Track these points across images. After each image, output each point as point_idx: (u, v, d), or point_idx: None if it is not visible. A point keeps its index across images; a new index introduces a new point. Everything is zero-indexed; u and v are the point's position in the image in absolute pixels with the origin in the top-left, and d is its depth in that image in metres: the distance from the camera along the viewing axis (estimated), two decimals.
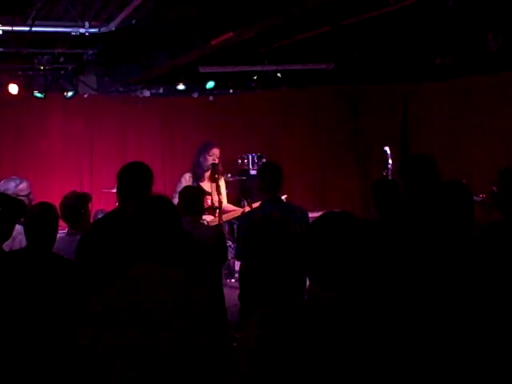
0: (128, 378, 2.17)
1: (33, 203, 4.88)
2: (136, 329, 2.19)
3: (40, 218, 3.46)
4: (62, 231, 4.53)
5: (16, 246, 4.17)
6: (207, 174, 7.16)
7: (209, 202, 6.57)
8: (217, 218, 6.48)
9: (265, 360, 1.92)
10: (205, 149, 7.22)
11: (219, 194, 6.35)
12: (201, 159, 7.20)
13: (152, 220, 2.36)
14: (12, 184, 5.15)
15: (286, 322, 1.97)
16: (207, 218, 6.48)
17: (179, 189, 6.74)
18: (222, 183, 7.13)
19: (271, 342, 1.93)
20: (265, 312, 2.02)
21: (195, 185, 7.03)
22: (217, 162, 7.02)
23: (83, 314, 2.28)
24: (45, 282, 3.26)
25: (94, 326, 2.23)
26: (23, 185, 5.18)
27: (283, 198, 5.80)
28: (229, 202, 7.45)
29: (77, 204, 4.49)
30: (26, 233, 3.46)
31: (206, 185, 7.09)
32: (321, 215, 2.13)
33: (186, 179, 7.23)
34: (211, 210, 6.58)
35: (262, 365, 1.92)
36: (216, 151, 7.15)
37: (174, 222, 2.43)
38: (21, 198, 4.97)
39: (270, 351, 1.92)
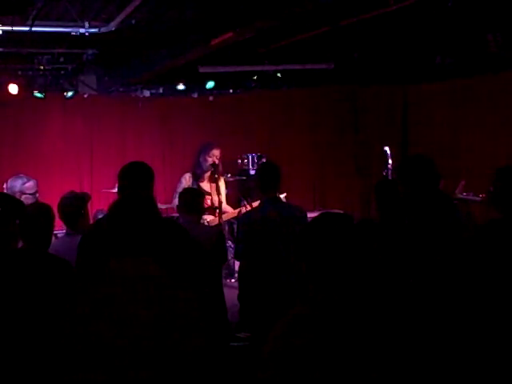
0: (110, 376, 2.15)
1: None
2: (116, 326, 2.18)
3: (35, 218, 3.47)
4: (61, 231, 4.52)
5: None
6: (207, 174, 7.16)
7: (209, 202, 6.58)
8: (217, 218, 6.49)
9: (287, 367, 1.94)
10: (205, 150, 7.22)
11: (219, 194, 6.34)
12: (201, 160, 7.19)
13: (124, 216, 2.35)
14: (19, 182, 5.15)
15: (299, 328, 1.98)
16: (207, 217, 6.48)
17: (179, 189, 6.76)
18: (221, 183, 7.14)
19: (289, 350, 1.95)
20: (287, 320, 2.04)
21: (195, 185, 7.04)
22: (217, 162, 7.02)
23: (70, 312, 2.28)
24: (39, 282, 3.26)
25: (80, 324, 2.22)
26: (30, 183, 5.18)
27: (282, 196, 5.81)
28: (228, 202, 7.44)
29: (75, 204, 4.48)
30: (21, 233, 3.47)
31: (206, 185, 7.09)
32: (316, 216, 2.14)
33: (186, 179, 7.24)
34: (211, 209, 6.59)
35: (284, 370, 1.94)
36: (216, 152, 7.15)
37: (147, 216, 2.38)
38: (27, 196, 4.98)
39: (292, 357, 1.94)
